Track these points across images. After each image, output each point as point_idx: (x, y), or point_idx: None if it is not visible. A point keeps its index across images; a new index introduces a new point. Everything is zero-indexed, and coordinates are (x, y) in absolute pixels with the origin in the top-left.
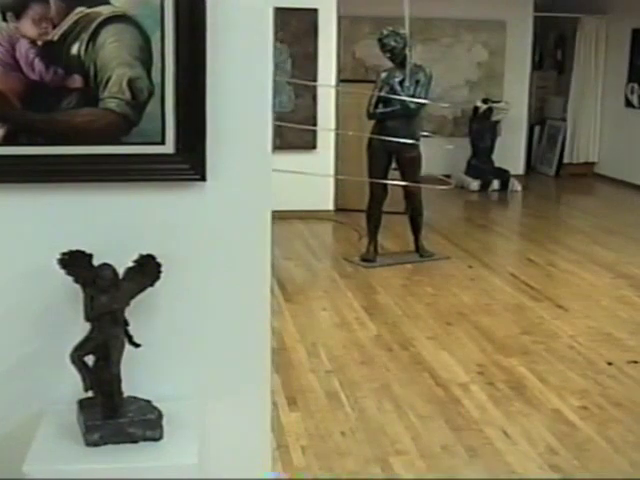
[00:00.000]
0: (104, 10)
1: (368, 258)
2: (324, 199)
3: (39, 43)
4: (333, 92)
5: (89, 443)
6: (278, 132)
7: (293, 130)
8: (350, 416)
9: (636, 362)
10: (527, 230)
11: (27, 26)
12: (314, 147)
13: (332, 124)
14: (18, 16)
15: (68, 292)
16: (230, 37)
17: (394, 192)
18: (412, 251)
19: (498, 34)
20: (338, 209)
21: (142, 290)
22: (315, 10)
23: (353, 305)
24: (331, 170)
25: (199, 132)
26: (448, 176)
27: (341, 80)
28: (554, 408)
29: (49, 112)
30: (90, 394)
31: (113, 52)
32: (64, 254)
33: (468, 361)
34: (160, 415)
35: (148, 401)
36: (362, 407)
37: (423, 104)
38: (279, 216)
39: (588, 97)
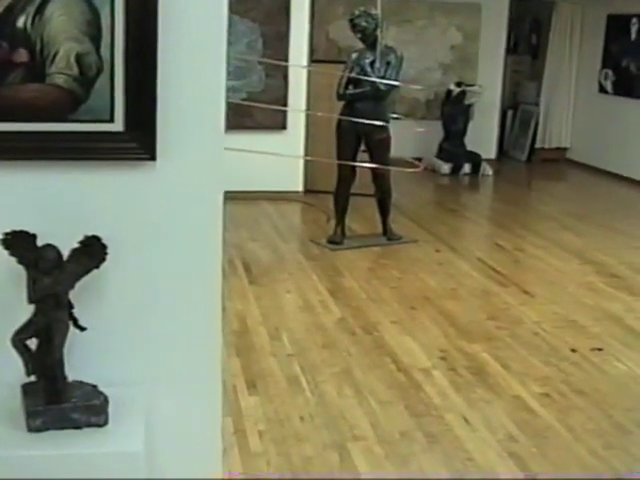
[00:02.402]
0: None
1: (335, 240)
2: (293, 180)
3: None
4: (305, 72)
5: (31, 429)
6: (248, 112)
7: (263, 110)
8: (310, 401)
9: (600, 349)
10: (496, 215)
11: None
12: (284, 127)
13: (303, 105)
14: None
15: (12, 274)
16: (183, 12)
17: (363, 174)
18: (380, 234)
19: (473, 17)
20: (307, 190)
21: (87, 272)
22: None
23: (318, 288)
24: (301, 151)
25: (149, 110)
26: (419, 159)
27: (313, 60)
28: (515, 395)
29: None
30: (33, 378)
31: (60, 26)
32: (6, 234)
33: (431, 346)
34: (106, 400)
35: (94, 386)
36: (322, 392)
37: (393, 86)
38: (247, 197)
39: (562, 82)
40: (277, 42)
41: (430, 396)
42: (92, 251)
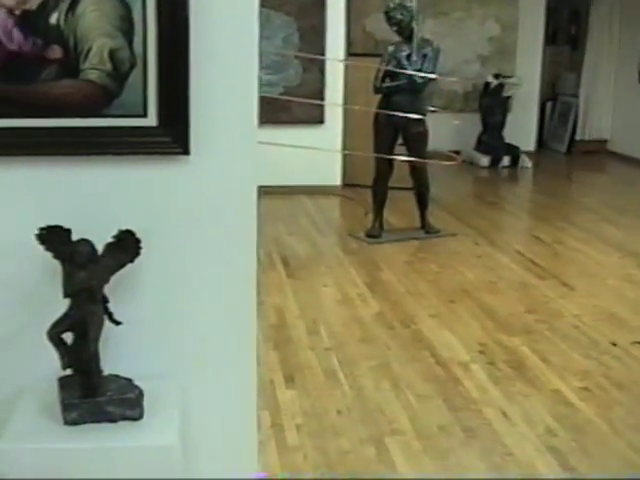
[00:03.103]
0: None
1: (373, 234)
2: (332, 174)
3: (17, 12)
4: (341, 66)
5: (67, 422)
6: (285, 106)
7: (300, 104)
8: (347, 394)
9: None
10: (536, 207)
11: None
12: (322, 122)
13: (340, 98)
14: None
15: (48, 268)
16: (215, 6)
17: (401, 167)
18: (418, 227)
19: (510, 8)
20: (346, 184)
21: (122, 266)
22: None
23: (356, 281)
24: (339, 145)
25: (182, 105)
26: (458, 152)
27: (350, 54)
28: (555, 389)
29: (28, 83)
30: (69, 372)
31: (93, 22)
32: (42, 229)
33: (470, 340)
34: (141, 394)
35: (129, 380)
36: (360, 385)
37: (430, 79)
38: (285, 191)
39: (601, 73)
40: (313, 36)
41: (469, 390)
42: (126, 245)
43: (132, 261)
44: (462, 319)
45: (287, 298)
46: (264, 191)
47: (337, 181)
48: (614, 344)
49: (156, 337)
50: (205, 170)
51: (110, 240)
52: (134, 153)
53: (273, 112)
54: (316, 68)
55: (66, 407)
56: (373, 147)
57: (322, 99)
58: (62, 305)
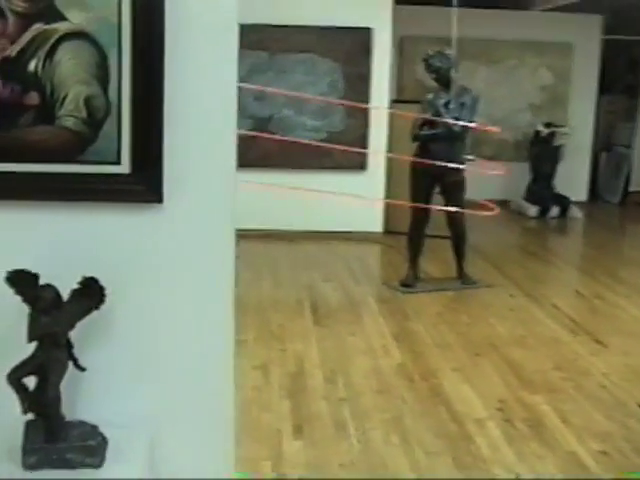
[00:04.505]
0: (61, 27)
1: (407, 283)
2: (372, 221)
3: None
4: (386, 112)
5: (26, 466)
6: (328, 152)
7: (343, 150)
8: (354, 447)
9: None
10: (581, 260)
11: None
12: (364, 168)
13: (384, 145)
14: None
15: (20, 311)
16: (191, 55)
17: (440, 216)
18: (455, 277)
19: (564, 56)
20: (387, 231)
21: (87, 313)
22: (369, 29)
23: (383, 331)
24: (381, 191)
25: (155, 153)
26: (506, 201)
27: (394, 101)
28: (571, 451)
29: (5, 129)
30: (30, 416)
31: (70, 69)
32: (10, 272)
33: (489, 396)
34: (103, 441)
35: (95, 427)
36: (368, 438)
37: (468, 127)
38: (325, 237)
39: None
40: (358, 82)
41: (480, 448)
42: (91, 292)
43: (97, 308)
44: (485, 374)
45: (310, 346)
46: (303, 236)
47: (378, 228)
48: None
49: (128, 384)
50: (179, 217)
51: (75, 287)
52: (107, 200)
53: (316, 157)
54: (361, 114)
55: (27, 452)
56: (410, 195)
57: (365, 145)
58: (31, 349)
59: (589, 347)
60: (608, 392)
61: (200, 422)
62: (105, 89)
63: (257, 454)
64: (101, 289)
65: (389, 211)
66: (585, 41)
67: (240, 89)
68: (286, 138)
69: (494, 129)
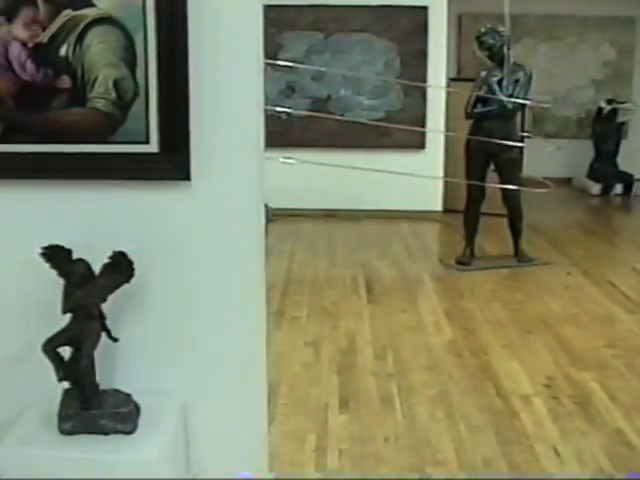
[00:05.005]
0: (89, 12)
1: (463, 261)
2: (432, 200)
3: (30, 45)
4: (444, 91)
5: (62, 431)
6: (386, 131)
7: (401, 129)
8: (398, 422)
9: None
10: None
11: (19, 29)
12: (423, 147)
13: (442, 123)
14: (10, 20)
15: (57, 285)
16: (215, 36)
17: (497, 194)
18: (511, 255)
19: (627, 31)
20: (447, 210)
21: (118, 286)
22: (425, 8)
23: (435, 309)
24: (440, 170)
25: (182, 132)
26: (570, 179)
27: (451, 79)
28: (617, 428)
29: (40, 111)
30: (67, 385)
31: (99, 53)
32: (45, 248)
33: (537, 372)
34: (136, 409)
35: (128, 395)
36: (413, 414)
37: (521, 104)
38: (385, 216)
39: None
40: (415, 61)
41: (524, 424)
42: (120, 266)
43: (128, 281)
44: (535, 351)
45: (362, 323)
46: (363, 215)
47: (438, 206)
48: None
49: (162, 355)
50: (206, 194)
51: (106, 261)
52: (137, 178)
53: (375, 137)
54: (418, 93)
55: (62, 418)
56: (465, 173)
57: (424, 124)
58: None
59: None
60: None
61: (232, 393)
62: (133, 71)
63: (303, 428)
64: (130, 263)
65: (448, 189)
66: None
67: (298, 69)
68: (344, 118)
69: (546, 105)
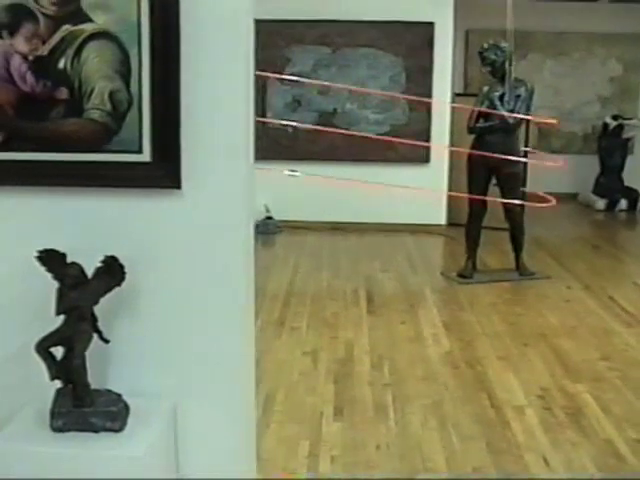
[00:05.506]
0: (87, 27)
1: (464, 274)
2: (436, 213)
3: (30, 58)
4: (448, 106)
5: (54, 429)
6: (391, 145)
7: (406, 143)
8: (391, 430)
9: None
10: None
11: (20, 42)
12: (427, 161)
13: (446, 138)
14: (12, 34)
15: (51, 288)
16: (206, 50)
17: (499, 208)
18: (513, 269)
19: (633, 48)
20: (451, 224)
21: (109, 289)
22: (431, 24)
23: (434, 321)
24: (444, 184)
25: (173, 141)
26: (575, 194)
27: (457, 94)
28: (607, 439)
29: (39, 121)
30: (60, 384)
31: (96, 66)
32: (40, 252)
33: (532, 384)
34: (125, 408)
35: (119, 395)
36: (406, 422)
37: (522, 119)
38: (389, 229)
39: None
40: (420, 76)
41: (515, 434)
42: (112, 270)
43: (119, 285)
44: (531, 363)
45: (361, 334)
46: (367, 229)
47: (442, 220)
48: None
49: (152, 357)
50: (196, 202)
51: (98, 265)
52: (130, 186)
53: (380, 150)
54: (423, 107)
55: (54, 416)
56: (467, 187)
57: (428, 138)
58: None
59: None
60: None
61: (221, 395)
62: (127, 84)
63: (297, 434)
64: (121, 267)
65: (452, 203)
66: None
67: (305, 83)
68: (350, 132)
69: (551, 121)
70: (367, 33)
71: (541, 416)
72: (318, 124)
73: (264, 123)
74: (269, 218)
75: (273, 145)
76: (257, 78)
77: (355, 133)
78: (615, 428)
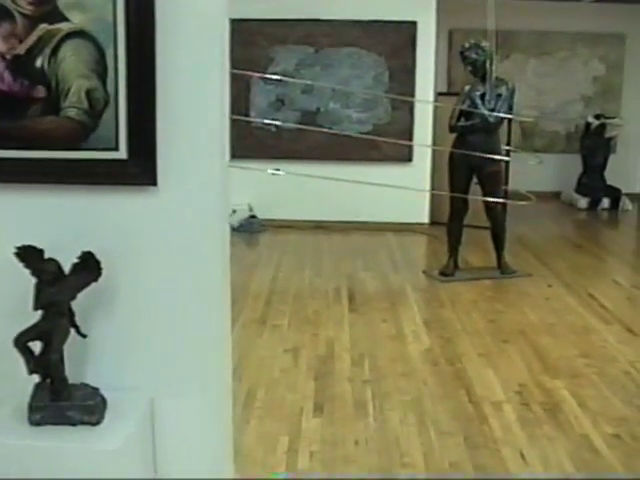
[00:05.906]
0: (64, 27)
1: (446, 272)
2: (419, 212)
3: (7, 57)
4: (431, 105)
5: (32, 422)
6: (374, 144)
7: (389, 142)
8: (370, 426)
9: None
10: (624, 251)
11: None
12: (410, 160)
13: (429, 137)
14: None
15: (29, 284)
16: (181, 49)
17: (481, 206)
18: (495, 267)
19: (617, 47)
20: (433, 222)
21: (86, 285)
22: (414, 23)
23: (415, 318)
24: (427, 183)
25: (149, 139)
26: (559, 193)
27: (439, 93)
28: (583, 434)
29: (17, 119)
30: (35, 377)
31: (72, 65)
32: (18, 248)
33: (510, 380)
34: (102, 402)
35: (96, 389)
36: (385, 418)
37: (503, 118)
38: (373, 228)
39: None
40: (403, 75)
41: (493, 429)
42: (89, 266)
43: (96, 280)
44: (510, 359)
45: (342, 331)
46: (350, 228)
47: (424, 219)
48: None
49: (129, 352)
50: (172, 199)
51: (75, 261)
52: (107, 183)
53: (363, 149)
54: (406, 106)
55: (32, 409)
56: (448, 186)
57: (411, 137)
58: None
59: (620, 336)
60: (631, 379)
61: (197, 390)
62: (104, 82)
63: (277, 430)
64: (98, 263)
65: (435, 202)
66: (638, 31)
67: (288, 82)
68: (333, 131)
69: (529, 119)
70: (350, 33)
71: (519, 412)
72: (301, 123)
73: (248, 122)
74: (253, 217)
75: (257, 144)
76: (240, 77)
77: (338, 132)
78: (591, 423)
